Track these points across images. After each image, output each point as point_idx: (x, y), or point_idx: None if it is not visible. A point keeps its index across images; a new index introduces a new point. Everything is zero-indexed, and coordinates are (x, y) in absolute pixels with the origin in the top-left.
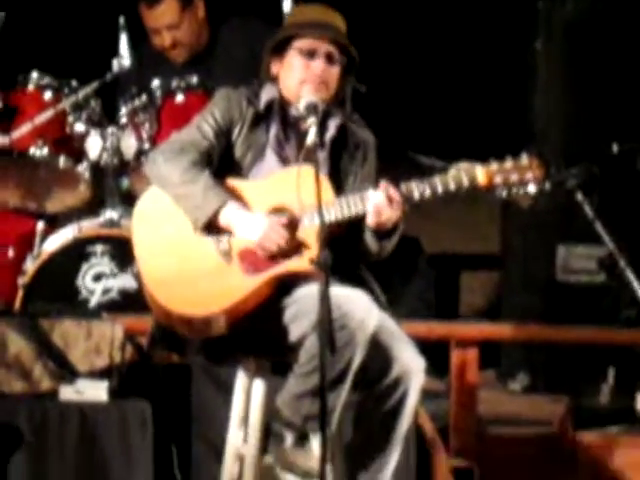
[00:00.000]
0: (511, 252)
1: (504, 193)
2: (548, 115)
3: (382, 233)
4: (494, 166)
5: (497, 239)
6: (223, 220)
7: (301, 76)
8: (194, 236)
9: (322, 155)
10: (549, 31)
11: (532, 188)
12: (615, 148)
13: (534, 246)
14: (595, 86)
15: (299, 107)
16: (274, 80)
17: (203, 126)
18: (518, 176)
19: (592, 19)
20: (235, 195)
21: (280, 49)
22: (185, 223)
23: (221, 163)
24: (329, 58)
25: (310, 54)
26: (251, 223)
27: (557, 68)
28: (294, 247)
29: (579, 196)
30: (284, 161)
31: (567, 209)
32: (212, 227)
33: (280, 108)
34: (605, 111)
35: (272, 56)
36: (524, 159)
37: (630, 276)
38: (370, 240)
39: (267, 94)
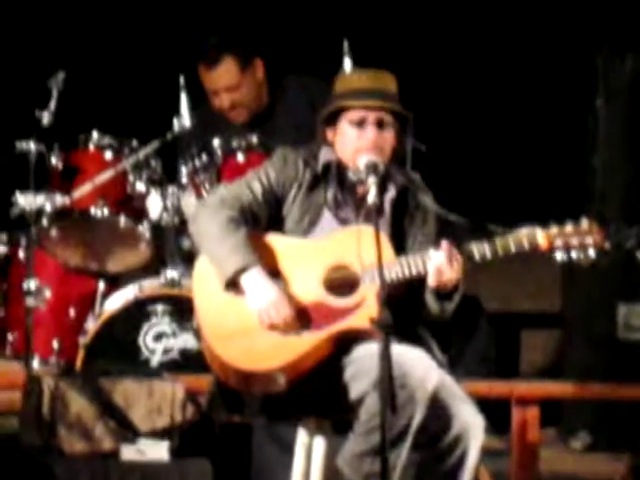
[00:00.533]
0: (572, 310)
1: (565, 256)
2: (608, 174)
3: (443, 294)
4: (554, 230)
5: (557, 297)
6: (242, 283)
7: (355, 145)
8: None
9: (383, 218)
10: (609, 89)
11: (592, 252)
12: None
13: (595, 304)
14: None
15: (358, 167)
16: (331, 145)
17: (253, 183)
18: (578, 240)
19: None
20: (294, 254)
21: (332, 118)
22: None
23: (279, 223)
24: (380, 124)
25: (360, 123)
26: (260, 292)
27: (617, 126)
28: (353, 305)
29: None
30: (342, 222)
31: (628, 267)
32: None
33: (337, 171)
34: None
35: (326, 124)
36: (584, 223)
37: None
38: (431, 301)
39: (324, 156)
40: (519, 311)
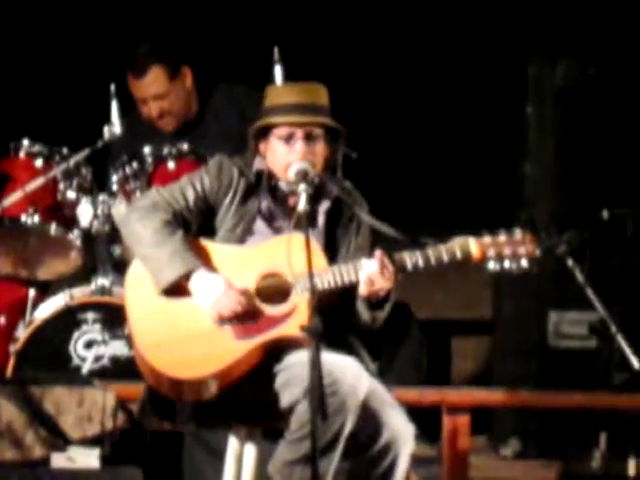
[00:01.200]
0: (502, 317)
1: (497, 266)
2: (538, 181)
3: (374, 302)
4: (487, 239)
5: (488, 304)
6: (189, 286)
7: (285, 161)
8: (186, 299)
9: (317, 229)
10: (539, 97)
11: (524, 262)
12: (605, 214)
13: (525, 311)
14: (585, 152)
15: (289, 178)
16: (263, 157)
17: (187, 189)
18: (511, 250)
19: (582, 85)
20: (226, 261)
21: (263, 132)
22: None
23: (210, 232)
24: (309, 137)
25: (289, 139)
26: (208, 288)
27: (547, 133)
28: (285, 314)
29: (570, 262)
30: (276, 231)
31: (558, 275)
32: (174, 291)
33: (269, 182)
34: (595, 177)
35: (256, 138)
36: (517, 233)
37: (621, 341)
38: (362, 309)
39: (256, 166)
40: (450, 319)
